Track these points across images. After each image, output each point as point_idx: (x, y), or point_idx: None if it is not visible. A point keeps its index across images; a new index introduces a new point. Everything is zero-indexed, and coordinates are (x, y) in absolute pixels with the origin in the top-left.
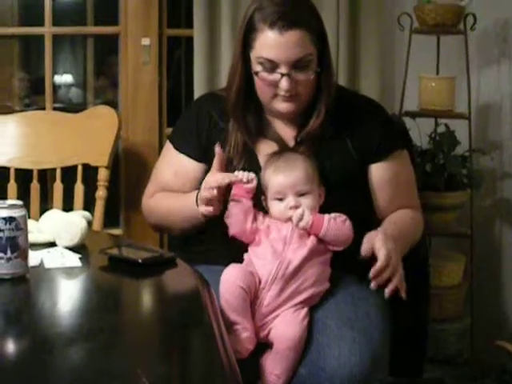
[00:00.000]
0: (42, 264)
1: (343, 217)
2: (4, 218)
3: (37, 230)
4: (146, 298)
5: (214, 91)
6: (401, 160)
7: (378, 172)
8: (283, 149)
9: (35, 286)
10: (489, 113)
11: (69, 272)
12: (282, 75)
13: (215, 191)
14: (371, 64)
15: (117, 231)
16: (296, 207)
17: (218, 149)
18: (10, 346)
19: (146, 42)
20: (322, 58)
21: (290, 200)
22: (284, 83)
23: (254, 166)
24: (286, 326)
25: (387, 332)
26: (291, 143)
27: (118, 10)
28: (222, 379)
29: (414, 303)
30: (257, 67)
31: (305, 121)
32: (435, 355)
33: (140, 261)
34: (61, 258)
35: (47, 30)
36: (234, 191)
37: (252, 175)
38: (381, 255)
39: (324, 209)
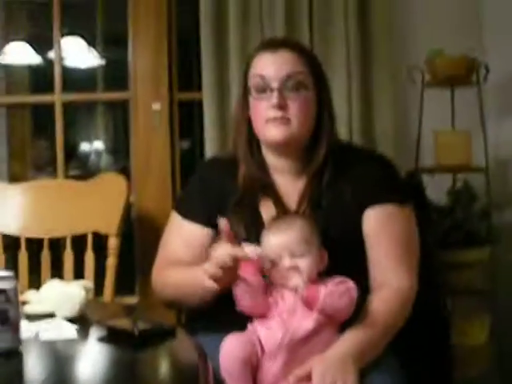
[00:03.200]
0: (36, 336)
1: (342, 288)
2: None
3: (37, 300)
4: (139, 373)
5: (216, 155)
6: (398, 215)
7: (369, 219)
8: (284, 211)
9: (28, 359)
10: (507, 165)
11: (64, 344)
12: (272, 90)
13: (220, 270)
14: (385, 121)
15: (132, 299)
16: (292, 268)
17: (222, 222)
18: None
19: (156, 106)
20: (320, 96)
21: (286, 261)
22: (274, 98)
23: (260, 227)
24: None
25: None
26: (294, 201)
27: (127, 75)
28: None
29: (436, 364)
30: (251, 89)
31: (307, 175)
32: None
33: (136, 332)
34: (57, 330)
35: (57, 97)
36: (241, 268)
37: (263, 252)
38: None
39: (329, 271)
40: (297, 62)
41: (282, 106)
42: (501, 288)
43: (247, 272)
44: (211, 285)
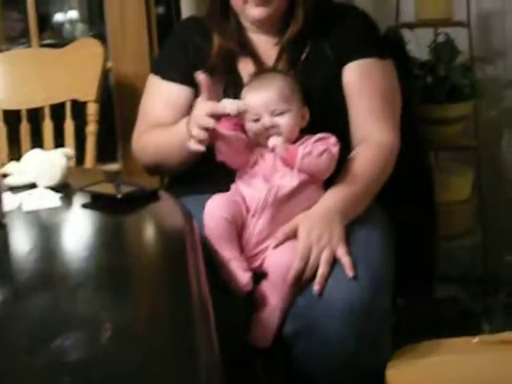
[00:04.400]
0: (20, 207)
1: (321, 147)
2: None
3: (18, 171)
4: (125, 237)
5: (195, 15)
6: (379, 69)
7: (349, 72)
8: (263, 69)
9: (13, 231)
10: (490, 19)
11: (48, 213)
12: None
13: (202, 131)
14: None
15: (115, 166)
16: (272, 127)
17: (201, 76)
18: None
19: None
20: None
21: (266, 120)
22: None
23: (238, 86)
24: (280, 254)
25: (390, 254)
26: (272, 59)
27: None
28: (190, 319)
29: (420, 220)
30: None
31: (286, 34)
32: (447, 273)
33: (119, 196)
34: (40, 200)
35: None
36: (221, 124)
37: (242, 106)
38: (297, 258)
39: (310, 128)
40: None
41: None
42: (484, 143)
43: (225, 127)
44: (196, 147)
